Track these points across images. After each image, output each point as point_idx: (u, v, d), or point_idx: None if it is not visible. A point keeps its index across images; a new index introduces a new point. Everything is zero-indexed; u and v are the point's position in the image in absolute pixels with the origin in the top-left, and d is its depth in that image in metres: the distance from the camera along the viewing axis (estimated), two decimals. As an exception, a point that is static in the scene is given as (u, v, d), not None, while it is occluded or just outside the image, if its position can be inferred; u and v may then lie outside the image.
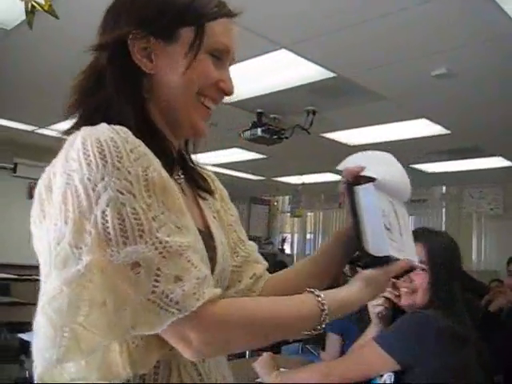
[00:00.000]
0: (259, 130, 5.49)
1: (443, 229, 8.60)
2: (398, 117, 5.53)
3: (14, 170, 7.72)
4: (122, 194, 0.72)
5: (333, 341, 3.01)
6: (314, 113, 5.44)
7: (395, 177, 1.08)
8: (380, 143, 6.49)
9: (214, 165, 8.68)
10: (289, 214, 11.97)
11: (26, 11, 1.95)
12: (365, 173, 1.01)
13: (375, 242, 0.94)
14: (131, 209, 0.72)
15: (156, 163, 0.78)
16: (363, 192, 0.99)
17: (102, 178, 0.71)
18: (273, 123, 5.69)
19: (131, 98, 0.88)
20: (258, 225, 12.40)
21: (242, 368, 2.82)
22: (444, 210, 9.45)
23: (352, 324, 3.00)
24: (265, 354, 2.19)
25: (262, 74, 4.55)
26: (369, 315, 2.07)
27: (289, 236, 12.48)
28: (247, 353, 4.21)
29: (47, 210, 0.77)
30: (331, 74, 4.41)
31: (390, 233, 0.97)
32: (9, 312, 4.38)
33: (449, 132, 5.88)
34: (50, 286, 0.73)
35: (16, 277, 6.94)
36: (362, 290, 0.92)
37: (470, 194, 8.92)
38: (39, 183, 0.81)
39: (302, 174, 9.04)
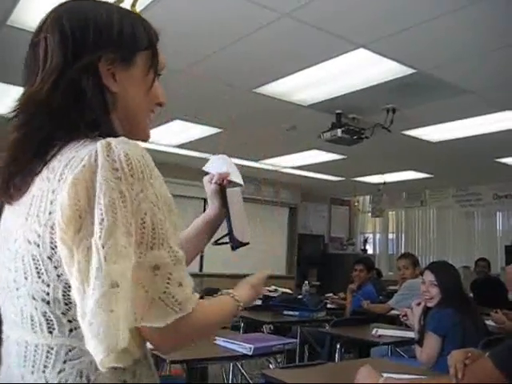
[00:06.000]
0: (339, 130, 5.48)
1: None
2: (481, 110, 5.37)
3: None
4: (154, 206, 0.85)
5: (433, 341, 3.00)
6: (393, 111, 5.39)
7: (240, 178, 1.40)
8: (463, 138, 6.34)
9: (294, 167, 8.74)
10: (370, 214, 11.86)
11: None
12: (232, 178, 1.35)
13: (241, 232, 1.32)
14: (158, 219, 0.86)
15: (164, 182, 0.91)
16: (233, 194, 1.34)
17: (141, 190, 0.84)
18: (352, 123, 5.67)
19: (108, 114, 0.98)
20: (339, 226, 12.36)
21: (335, 371, 2.86)
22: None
23: (454, 328, 3.02)
24: (368, 363, 2.24)
25: (340, 74, 4.57)
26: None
27: (370, 236, 12.35)
28: (337, 356, 4.23)
29: (84, 211, 0.82)
30: (411, 71, 4.37)
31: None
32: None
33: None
34: (104, 278, 0.80)
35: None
36: (250, 291, 1.20)
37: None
38: (71, 186, 0.83)
39: (382, 173, 8.94)
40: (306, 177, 9.53)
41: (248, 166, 8.43)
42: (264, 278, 1.27)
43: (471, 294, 6.50)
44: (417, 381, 2.16)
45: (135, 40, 1.03)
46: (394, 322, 4.90)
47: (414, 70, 4.36)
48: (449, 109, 5.36)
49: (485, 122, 5.72)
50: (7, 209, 0.99)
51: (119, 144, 0.85)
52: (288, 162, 8.40)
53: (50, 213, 0.85)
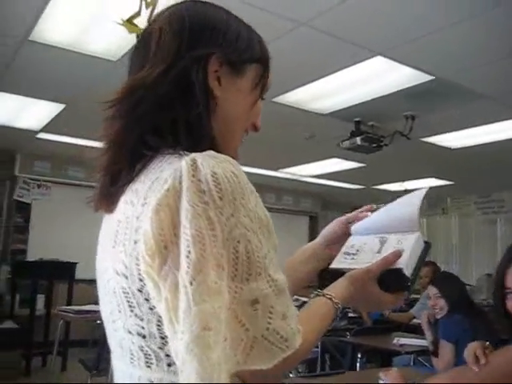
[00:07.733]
0: (358, 138, 5.47)
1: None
2: (501, 116, 5.32)
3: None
4: (248, 230, 0.74)
5: (447, 349, 3.01)
6: (413, 118, 5.36)
7: (390, 218, 1.26)
8: (484, 144, 6.27)
9: (313, 176, 8.73)
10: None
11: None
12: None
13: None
14: (254, 245, 0.74)
15: (260, 199, 0.80)
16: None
17: (232, 214, 0.73)
18: (371, 131, 5.66)
19: (210, 115, 0.89)
20: (360, 234, 12.26)
21: (356, 381, 2.84)
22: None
23: (465, 333, 3.01)
24: (393, 369, 2.27)
25: (358, 82, 4.57)
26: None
27: (392, 244, 12.23)
28: (358, 366, 4.20)
29: (169, 241, 0.74)
30: (429, 77, 4.36)
31: (352, 254, 1.19)
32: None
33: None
34: (194, 320, 0.70)
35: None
36: (349, 287, 1.00)
37: None
38: (153, 214, 0.74)
39: (403, 180, 8.88)
40: (325, 185, 9.50)
41: (267, 175, 8.44)
42: (373, 273, 1.02)
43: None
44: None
45: (249, 49, 0.96)
46: (416, 331, 4.85)
47: (432, 77, 4.34)
48: (469, 115, 5.31)
49: (505, 128, 5.66)
50: (104, 222, 0.92)
51: (205, 160, 0.75)
52: (308, 171, 8.39)
53: (135, 242, 0.77)
